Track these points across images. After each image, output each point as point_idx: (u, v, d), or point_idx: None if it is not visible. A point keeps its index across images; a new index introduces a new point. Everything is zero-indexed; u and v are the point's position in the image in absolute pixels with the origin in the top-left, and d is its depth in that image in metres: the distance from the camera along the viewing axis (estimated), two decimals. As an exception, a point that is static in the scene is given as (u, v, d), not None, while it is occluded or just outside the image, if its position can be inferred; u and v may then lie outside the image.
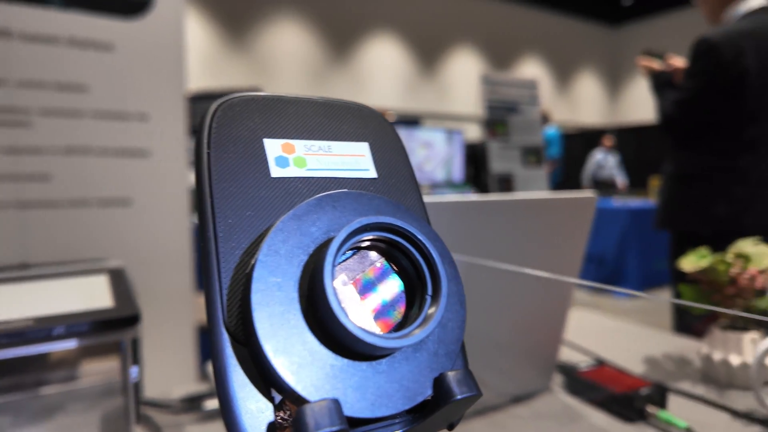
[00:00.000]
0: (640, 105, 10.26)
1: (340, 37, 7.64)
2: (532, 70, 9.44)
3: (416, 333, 0.14)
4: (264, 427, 0.14)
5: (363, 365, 0.14)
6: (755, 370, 0.47)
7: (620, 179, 7.66)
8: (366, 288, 0.15)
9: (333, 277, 0.13)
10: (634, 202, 4.09)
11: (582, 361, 0.60)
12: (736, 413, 0.49)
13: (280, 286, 0.14)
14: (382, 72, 7.99)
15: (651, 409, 0.47)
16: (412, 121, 4.01)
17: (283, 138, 0.19)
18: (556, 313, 0.55)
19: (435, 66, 8.47)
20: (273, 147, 0.18)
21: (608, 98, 10.94)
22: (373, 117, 0.22)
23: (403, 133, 2.75)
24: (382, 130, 0.21)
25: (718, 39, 1.28)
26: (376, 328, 0.15)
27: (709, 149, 1.39)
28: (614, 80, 10.85)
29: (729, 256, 0.58)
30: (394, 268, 0.16)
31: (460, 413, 0.16)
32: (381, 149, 0.21)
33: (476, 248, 0.46)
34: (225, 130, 0.18)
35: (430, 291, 0.15)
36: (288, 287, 0.14)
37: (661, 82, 1.51)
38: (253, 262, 0.14)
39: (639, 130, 10.54)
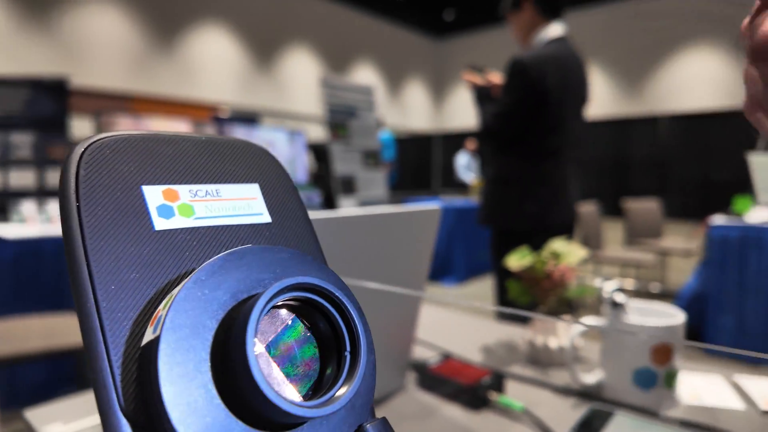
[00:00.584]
0: (461, 113, 11.48)
1: (165, 24, 6.99)
2: (366, 75, 9.85)
3: (342, 396, 0.13)
4: None
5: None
6: (569, 351, 0.56)
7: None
8: (278, 349, 0.14)
9: (253, 349, 0.12)
10: (459, 201, 4.55)
11: (431, 357, 0.65)
12: (557, 389, 0.57)
13: (190, 363, 0.12)
14: (213, 64, 7.54)
15: (492, 395, 0.53)
16: (249, 118, 3.86)
17: (165, 183, 0.16)
18: (408, 315, 0.59)
19: (272, 62, 8.29)
20: (153, 195, 0.16)
21: (434, 106, 11.99)
22: (260, 155, 0.20)
23: (242, 132, 2.64)
24: (270, 169, 0.20)
25: (528, 61, 1.49)
26: (293, 392, 0.14)
27: (521, 156, 1.61)
28: (439, 89, 11.92)
29: (544, 254, 0.68)
30: (306, 324, 0.15)
31: None
32: (271, 189, 0.19)
33: (329, 261, 0.46)
34: (95, 178, 0.15)
35: (348, 348, 0.14)
36: (199, 364, 0.13)
37: (482, 96, 1.71)
38: (153, 337, 0.12)
39: (462, 135, 11.75)
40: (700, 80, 8.53)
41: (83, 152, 0.16)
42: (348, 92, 3.20)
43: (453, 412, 0.53)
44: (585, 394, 0.56)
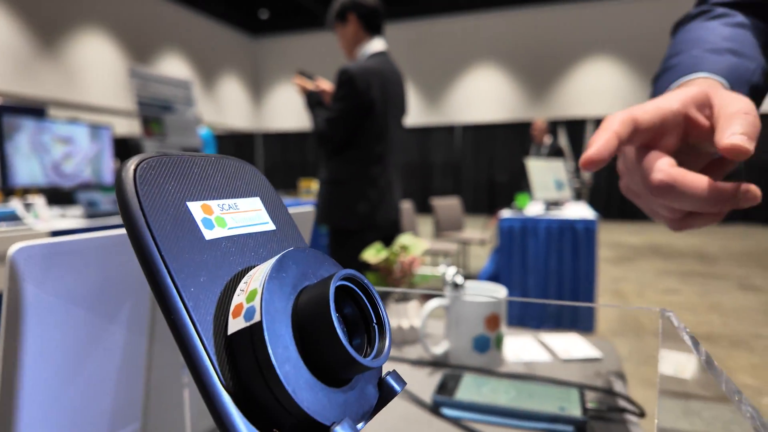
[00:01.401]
0: (281, 113, 11.42)
1: None
2: (175, 67, 9.10)
3: (384, 352, 0.17)
4: None
5: (344, 389, 0.16)
6: (422, 327, 0.65)
7: None
8: None
9: (336, 318, 0.15)
10: (287, 201, 4.56)
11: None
12: (413, 362, 0.66)
13: (284, 338, 0.16)
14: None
15: (364, 376, 0.59)
16: (35, 109, 3.26)
17: (201, 199, 0.19)
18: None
19: (57, 46, 7.08)
20: (196, 210, 0.18)
21: (252, 104, 11.67)
22: (252, 171, 0.23)
23: (33, 126, 2.23)
24: (261, 183, 0.23)
25: (355, 72, 1.60)
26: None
27: (351, 160, 1.72)
28: (257, 87, 11.65)
29: (395, 248, 0.77)
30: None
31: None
32: (267, 201, 0.22)
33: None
34: (151, 196, 0.17)
35: (375, 321, 0.18)
36: (288, 337, 0.16)
37: (313, 101, 1.76)
38: (249, 325, 0.15)
39: (283, 136, 11.63)
40: (486, 96, 10.00)
41: (134, 172, 0.17)
42: (162, 85, 2.94)
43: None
44: (436, 363, 0.66)
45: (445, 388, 0.56)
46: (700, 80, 0.45)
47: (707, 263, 5.23)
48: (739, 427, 0.31)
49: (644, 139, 0.40)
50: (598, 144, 0.38)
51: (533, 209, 3.27)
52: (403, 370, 0.64)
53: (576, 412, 0.50)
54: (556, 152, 5.14)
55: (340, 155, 1.71)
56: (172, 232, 0.17)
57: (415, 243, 0.78)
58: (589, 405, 0.52)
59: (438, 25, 10.06)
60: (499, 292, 0.69)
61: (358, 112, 1.64)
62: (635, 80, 9.12)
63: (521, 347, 0.72)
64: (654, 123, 0.40)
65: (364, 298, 0.19)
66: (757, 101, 0.48)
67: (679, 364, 0.36)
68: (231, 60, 10.79)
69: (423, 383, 0.59)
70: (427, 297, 0.69)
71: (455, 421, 0.51)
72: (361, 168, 1.72)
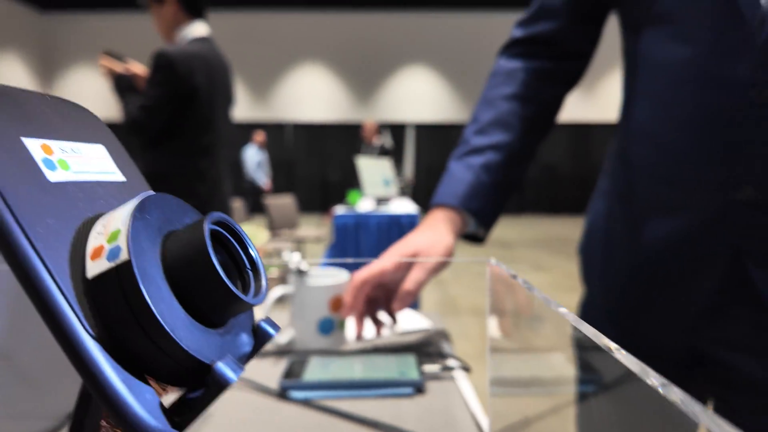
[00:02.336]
0: (79, 100, 9.90)
1: None
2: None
3: (262, 293, 0.17)
4: (160, 410, 0.13)
5: (220, 332, 0.16)
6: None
7: (266, 180, 7.00)
8: None
9: (216, 258, 0.14)
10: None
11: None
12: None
13: (155, 278, 0.14)
14: None
15: (205, 372, 0.56)
16: None
17: (38, 137, 0.16)
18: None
19: None
20: (34, 148, 0.16)
21: (42, 89, 9.90)
22: (93, 118, 0.21)
23: None
24: (105, 132, 0.21)
25: (175, 56, 1.48)
26: None
27: (174, 152, 1.58)
28: (47, 70, 9.94)
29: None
30: None
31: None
32: (113, 151, 0.20)
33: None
34: None
35: (249, 266, 0.18)
36: (159, 278, 0.15)
37: (122, 85, 1.58)
38: (114, 265, 0.14)
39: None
40: (317, 95, 10.13)
41: None
42: None
43: (166, 399, 0.52)
44: (280, 352, 0.65)
45: (292, 372, 0.56)
46: (443, 214, 0.65)
47: (508, 249, 6.12)
48: (566, 370, 0.37)
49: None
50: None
51: (364, 205, 3.43)
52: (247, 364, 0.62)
53: (414, 375, 0.54)
54: (384, 152, 5.48)
55: (160, 146, 1.57)
56: (9, 168, 0.14)
57: (255, 233, 0.76)
58: (425, 368, 0.57)
59: (265, 20, 9.85)
60: (342, 275, 0.71)
61: (178, 100, 1.52)
62: (449, 89, 10.18)
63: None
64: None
65: (235, 243, 0.18)
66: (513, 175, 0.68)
67: (504, 313, 0.42)
68: (12, 38, 9.00)
69: (269, 373, 0.58)
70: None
71: (305, 402, 0.52)
72: (187, 161, 1.60)
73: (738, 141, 0.48)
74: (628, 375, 0.18)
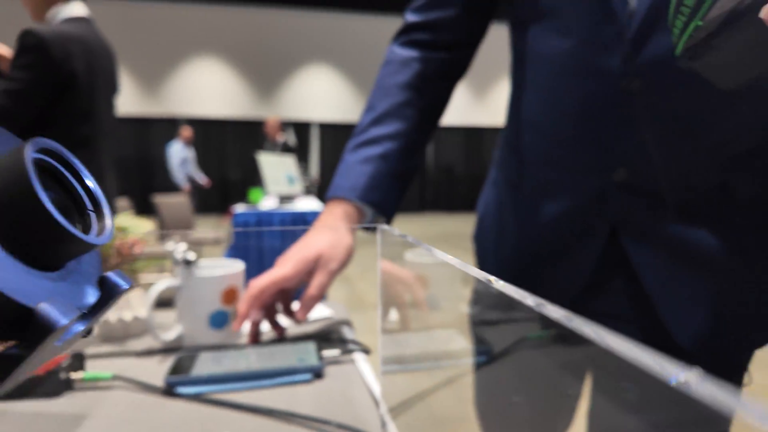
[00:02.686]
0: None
1: None
2: None
3: (106, 233, 0.14)
4: None
5: (52, 277, 0.13)
6: (150, 313, 0.58)
7: (200, 176, 6.58)
8: None
9: (42, 189, 0.12)
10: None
11: None
12: (140, 353, 0.59)
13: None
14: None
15: (75, 375, 0.49)
16: None
17: None
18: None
19: None
20: None
21: None
22: None
23: None
24: None
25: (47, 36, 1.32)
26: None
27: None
28: None
29: (111, 229, 0.67)
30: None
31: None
32: None
33: None
34: None
35: (90, 206, 0.15)
36: None
37: (-18, 68, 1.38)
38: None
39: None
40: (214, 90, 9.64)
41: None
42: None
43: (27, 407, 0.46)
44: (167, 349, 0.60)
45: (180, 368, 0.52)
46: (341, 210, 0.63)
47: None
48: (457, 343, 0.38)
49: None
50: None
51: (267, 204, 3.32)
52: (129, 363, 0.56)
53: (313, 361, 0.53)
54: (288, 149, 5.37)
55: (31, 135, 1.39)
56: None
57: (136, 223, 0.69)
58: (324, 353, 0.56)
59: (155, 10, 9.18)
60: (236, 265, 0.68)
61: (52, 87, 1.35)
62: (353, 90, 10.23)
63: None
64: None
65: (71, 178, 0.16)
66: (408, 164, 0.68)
67: (398, 295, 0.42)
68: None
69: (154, 372, 0.53)
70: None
71: (194, 397, 0.48)
72: (62, 153, 1.43)
73: (612, 127, 0.52)
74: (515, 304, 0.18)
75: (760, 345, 0.56)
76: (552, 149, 0.58)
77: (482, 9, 0.67)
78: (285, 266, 0.58)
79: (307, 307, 0.58)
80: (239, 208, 3.11)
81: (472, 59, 0.71)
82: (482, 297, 0.28)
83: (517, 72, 0.64)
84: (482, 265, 0.75)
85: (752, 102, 0.49)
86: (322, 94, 10.10)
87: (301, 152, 9.81)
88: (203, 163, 9.61)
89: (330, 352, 0.56)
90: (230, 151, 9.79)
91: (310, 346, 0.57)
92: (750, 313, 0.54)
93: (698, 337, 0.53)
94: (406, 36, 0.69)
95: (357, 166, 0.64)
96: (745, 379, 0.60)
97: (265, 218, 3.05)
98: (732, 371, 0.57)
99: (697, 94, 0.48)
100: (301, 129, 9.90)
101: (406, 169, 0.66)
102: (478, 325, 0.37)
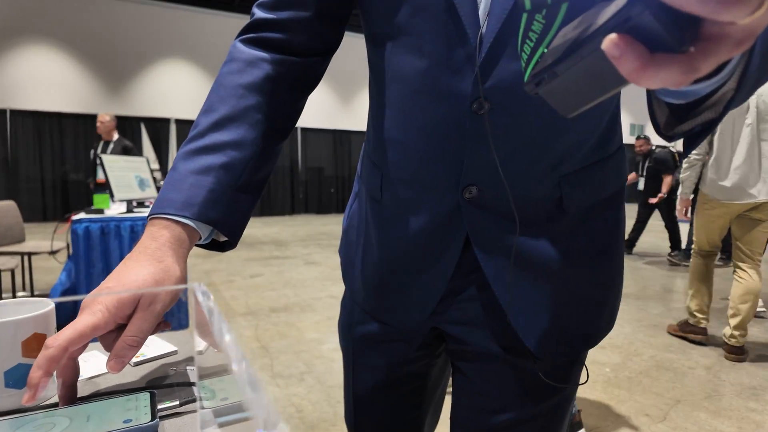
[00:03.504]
0: None
1: None
2: None
3: None
4: None
5: None
6: None
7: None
8: None
9: None
10: None
11: None
12: None
13: None
14: None
15: None
16: None
17: None
18: None
19: None
20: None
21: None
22: None
23: None
24: None
25: None
26: None
27: None
28: None
29: None
30: None
31: None
32: None
33: None
34: None
35: None
36: None
37: None
38: None
39: None
40: (49, 81, 8.38)
41: None
42: None
43: None
44: (-56, 423, 0.46)
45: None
46: (169, 233, 0.51)
47: (282, 248, 6.13)
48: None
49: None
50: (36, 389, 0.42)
51: (115, 210, 2.95)
52: None
53: (145, 418, 0.45)
54: (123, 149, 4.83)
55: None
56: None
57: None
58: (161, 405, 0.48)
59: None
60: (42, 305, 0.55)
61: None
62: (209, 86, 9.65)
63: (81, 363, 0.60)
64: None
65: None
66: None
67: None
68: None
69: None
70: None
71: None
72: None
73: (464, 147, 0.53)
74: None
75: (592, 344, 0.62)
76: (409, 167, 0.58)
77: (336, 15, 0.63)
78: (94, 312, 0.45)
79: (122, 358, 0.45)
80: (81, 215, 2.72)
81: (324, 70, 0.67)
82: None
83: (374, 87, 0.62)
84: (347, 279, 0.73)
85: (583, 125, 0.53)
86: (180, 90, 9.37)
87: (157, 151, 9.01)
88: (35, 163, 8.31)
89: (168, 404, 0.48)
90: (71, 150, 8.60)
91: (143, 399, 0.48)
92: (582, 315, 0.60)
93: (541, 339, 0.58)
94: (254, 33, 0.61)
95: (193, 176, 0.53)
96: (582, 375, 0.66)
97: (112, 225, 2.71)
98: (570, 368, 0.62)
99: (541, 118, 0.51)
100: (159, 125, 9.09)
101: (253, 182, 0.58)
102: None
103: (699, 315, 2.86)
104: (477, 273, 0.59)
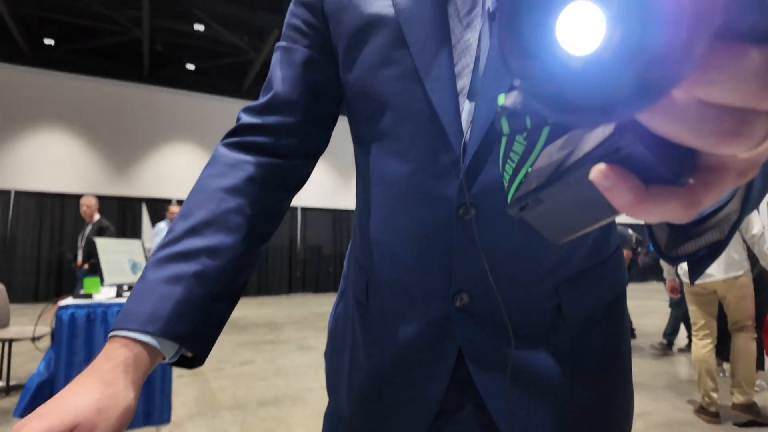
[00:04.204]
0: None
1: None
2: None
3: None
4: None
5: None
6: None
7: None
8: None
9: None
10: None
11: None
12: None
13: None
14: None
15: None
16: None
17: None
18: None
19: None
20: None
21: None
22: None
23: None
24: None
25: None
26: None
27: None
28: None
29: None
30: None
31: None
32: None
33: None
34: None
35: None
36: None
37: None
38: None
39: None
40: (51, 162, 8.60)
41: None
42: None
43: None
44: None
45: None
46: (125, 352, 0.46)
47: (275, 331, 5.94)
48: None
49: None
50: None
51: (104, 294, 2.88)
52: None
53: None
54: (98, 230, 4.81)
55: None
56: None
57: None
58: None
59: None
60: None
61: None
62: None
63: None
64: None
65: None
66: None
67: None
68: None
69: None
70: None
71: None
72: None
73: (451, 253, 0.51)
74: None
75: None
76: (396, 271, 0.56)
77: (324, 119, 0.63)
78: None
79: None
80: (68, 300, 2.65)
81: (310, 171, 0.65)
82: None
83: (360, 186, 0.61)
84: (332, 387, 0.67)
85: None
86: (182, 171, 9.62)
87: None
88: (32, 243, 8.31)
89: None
90: (71, 230, 8.63)
91: None
92: None
93: None
94: (238, 137, 0.59)
95: (162, 286, 0.49)
96: None
97: (99, 311, 2.63)
98: None
99: (529, 225, 0.48)
100: (160, 205, 9.22)
101: (229, 290, 0.54)
102: None
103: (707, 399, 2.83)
104: (473, 389, 0.53)
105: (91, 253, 4.64)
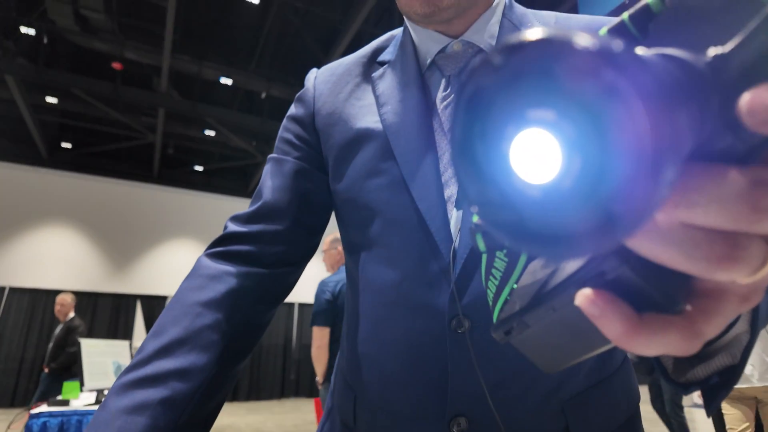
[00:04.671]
0: None
1: None
2: None
3: None
4: None
5: None
6: None
7: None
8: None
9: None
10: None
11: None
12: None
13: None
14: None
15: None
16: None
17: None
18: None
19: None
20: None
21: None
22: None
23: None
24: None
25: None
26: None
27: None
28: None
29: None
30: None
31: None
32: None
33: None
34: None
35: None
36: None
37: None
38: None
39: None
40: (48, 259, 8.59)
41: None
42: None
43: None
44: None
45: None
46: None
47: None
48: None
49: None
50: None
51: (83, 400, 2.71)
52: None
53: None
54: (67, 330, 4.44)
55: None
56: None
57: None
58: None
59: (5, 169, 8.48)
60: None
61: None
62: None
63: None
64: None
65: None
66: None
67: None
68: None
69: None
70: None
71: None
72: None
73: (445, 369, 0.47)
74: None
75: None
76: (386, 391, 0.51)
77: (312, 226, 0.62)
78: None
79: None
80: (43, 407, 2.48)
81: (296, 280, 0.62)
82: None
83: (349, 294, 0.59)
84: None
85: None
86: (178, 267, 9.58)
87: (150, 328, 8.78)
88: (17, 341, 8.03)
89: None
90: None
91: None
92: None
93: None
94: (222, 247, 0.57)
95: (123, 416, 0.43)
96: None
97: (74, 420, 2.46)
98: None
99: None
100: (155, 303, 9.06)
101: (201, 415, 0.49)
102: None
103: None
104: None
105: (56, 356, 4.29)
